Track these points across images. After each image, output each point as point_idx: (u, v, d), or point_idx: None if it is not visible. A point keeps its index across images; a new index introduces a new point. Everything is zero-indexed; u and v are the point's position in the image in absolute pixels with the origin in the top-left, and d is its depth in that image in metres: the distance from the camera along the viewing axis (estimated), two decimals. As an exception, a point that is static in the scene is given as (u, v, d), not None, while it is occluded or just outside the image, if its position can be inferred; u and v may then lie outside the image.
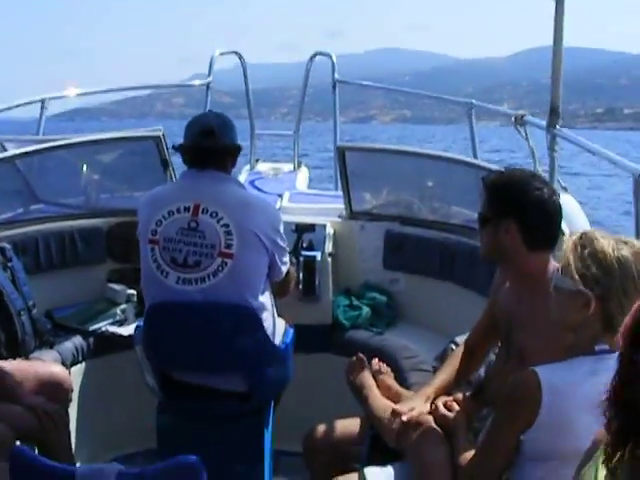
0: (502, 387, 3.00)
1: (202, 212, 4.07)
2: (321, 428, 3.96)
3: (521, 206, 3.32)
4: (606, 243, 2.67)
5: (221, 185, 4.22)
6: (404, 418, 3.48)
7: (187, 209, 4.10)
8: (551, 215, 3.35)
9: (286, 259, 4.34)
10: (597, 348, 2.68)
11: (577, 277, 2.66)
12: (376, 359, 4.26)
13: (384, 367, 4.23)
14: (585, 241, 2.71)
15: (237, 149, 4.37)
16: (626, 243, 2.68)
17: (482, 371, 3.90)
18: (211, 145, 4.18)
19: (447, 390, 3.70)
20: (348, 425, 3.93)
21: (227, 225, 4.04)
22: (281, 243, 4.25)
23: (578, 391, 2.62)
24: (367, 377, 4.07)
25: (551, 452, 2.70)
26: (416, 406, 3.57)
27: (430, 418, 3.48)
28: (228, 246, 4.02)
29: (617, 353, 2.08)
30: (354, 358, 4.20)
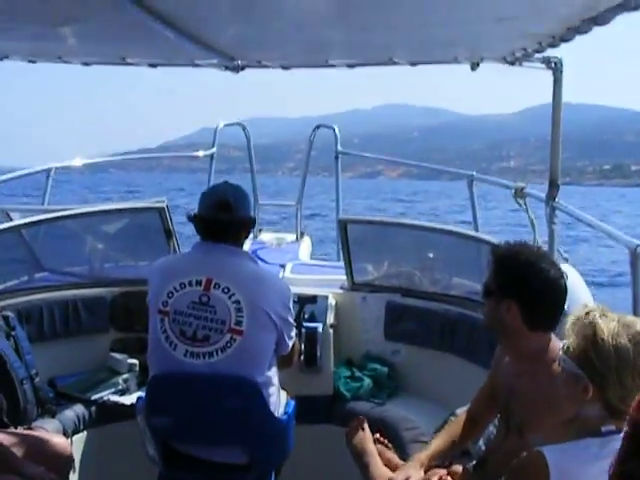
0: (504, 463, 3.00)
1: (214, 287, 4.08)
2: None
3: (524, 288, 3.34)
4: (606, 328, 2.62)
5: (234, 260, 4.24)
6: None
7: (199, 283, 4.11)
8: (555, 298, 3.36)
9: (293, 334, 4.36)
10: (604, 429, 2.62)
11: (574, 361, 2.65)
12: (377, 434, 4.26)
13: (384, 442, 4.22)
14: (585, 322, 2.68)
15: (252, 222, 4.42)
16: (629, 327, 2.63)
17: (482, 443, 3.90)
18: (227, 219, 4.20)
19: (442, 457, 3.72)
20: None
21: (238, 302, 4.05)
22: (290, 320, 4.28)
23: (586, 474, 2.57)
24: (368, 442, 4.06)
25: None
26: (411, 475, 3.58)
27: None
28: (238, 323, 4.03)
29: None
30: (354, 422, 4.19)
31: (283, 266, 6.70)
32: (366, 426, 4.18)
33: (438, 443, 3.82)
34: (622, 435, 2.07)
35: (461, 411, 4.12)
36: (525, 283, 3.34)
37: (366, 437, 4.09)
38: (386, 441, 4.22)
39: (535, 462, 2.64)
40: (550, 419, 2.87)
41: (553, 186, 5.34)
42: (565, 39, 4.03)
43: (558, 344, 3.13)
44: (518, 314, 3.35)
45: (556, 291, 3.34)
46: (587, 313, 2.71)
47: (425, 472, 3.66)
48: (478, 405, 3.88)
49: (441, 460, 3.76)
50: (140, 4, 3.15)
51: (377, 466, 3.90)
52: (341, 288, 6.01)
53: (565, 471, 2.59)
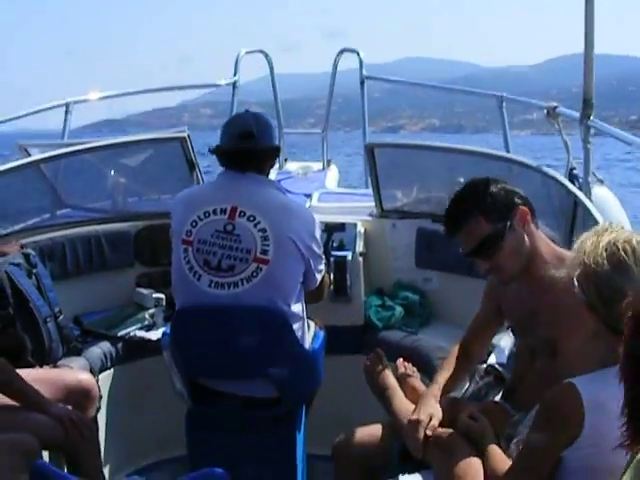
0: (535, 390, 2.97)
1: (239, 215, 3.97)
2: (350, 435, 3.79)
3: (514, 191, 3.35)
4: (587, 246, 2.59)
5: (260, 189, 4.12)
6: (428, 432, 3.33)
7: (224, 211, 4.00)
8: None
9: (321, 267, 4.24)
10: None
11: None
12: (400, 359, 4.15)
13: (409, 368, 4.11)
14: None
15: (276, 150, 4.30)
16: (613, 242, 2.56)
17: (505, 372, 3.80)
18: (251, 148, 4.08)
19: (451, 387, 3.64)
20: (378, 431, 3.75)
21: (264, 230, 3.93)
22: (317, 251, 4.14)
23: (619, 403, 2.50)
24: (388, 376, 3.91)
25: (596, 468, 2.56)
26: (433, 412, 3.42)
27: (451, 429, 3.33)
28: (264, 252, 3.91)
29: None
30: (371, 355, 4.08)
31: (310, 195, 6.57)
32: (384, 359, 4.06)
33: (445, 376, 3.69)
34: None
35: (494, 339, 4.02)
36: (507, 188, 3.35)
37: (385, 371, 3.97)
38: (410, 365, 4.12)
39: (568, 397, 2.56)
40: (581, 327, 2.74)
41: (587, 104, 5.14)
42: None
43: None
44: (527, 212, 3.30)
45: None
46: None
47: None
48: (473, 335, 3.81)
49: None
50: None
51: (400, 401, 3.76)
52: (370, 215, 5.87)
53: (599, 404, 2.51)
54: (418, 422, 3.36)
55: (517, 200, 3.31)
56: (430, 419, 3.37)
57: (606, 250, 2.53)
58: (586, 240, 2.61)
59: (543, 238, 3.40)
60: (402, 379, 3.96)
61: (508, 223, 3.26)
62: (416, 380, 4.01)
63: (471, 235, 3.30)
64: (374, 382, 3.94)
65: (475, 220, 3.27)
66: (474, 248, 3.31)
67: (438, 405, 3.48)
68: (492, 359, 4.05)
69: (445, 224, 3.40)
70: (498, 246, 3.27)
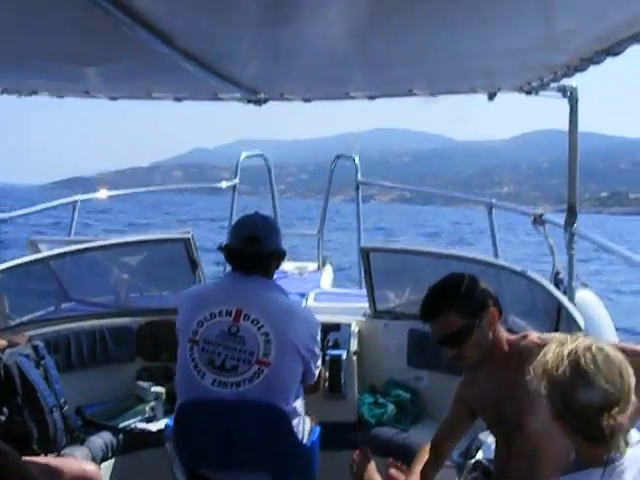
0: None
1: (244, 318, 4.14)
2: None
3: (488, 292, 3.56)
4: (549, 356, 2.67)
5: (264, 292, 4.29)
6: None
7: (229, 313, 4.16)
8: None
9: (319, 363, 4.42)
10: (606, 457, 2.59)
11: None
12: (390, 459, 4.28)
13: (398, 472, 4.22)
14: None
15: (281, 254, 4.45)
16: (573, 352, 2.62)
17: (492, 467, 3.94)
18: (256, 252, 4.26)
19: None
20: None
21: (267, 334, 4.10)
22: (317, 351, 4.33)
23: None
24: (372, 472, 4.09)
25: None
26: None
27: None
28: (266, 354, 4.08)
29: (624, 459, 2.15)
30: (357, 452, 4.23)
31: (305, 295, 6.76)
32: (370, 456, 4.21)
33: (416, 472, 3.93)
34: None
35: (483, 436, 4.20)
36: (481, 289, 3.56)
37: (371, 467, 4.12)
38: (399, 464, 4.26)
39: None
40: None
41: (572, 212, 5.39)
42: (579, 69, 4.10)
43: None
44: (497, 313, 3.54)
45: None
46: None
47: None
48: (443, 435, 3.99)
49: None
50: (166, 42, 3.25)
51: None
52: (364, 316, 6.07)
53: None
54: None
55: (489, 301, 3.55)
56: None
57: (568, 359, 2.60)
58: (549, 351, 2.69)
59: (504, 334, 3.63)
60: (393, 477, 4.11)
61: (478, 321, 3.51)
62: (403, 477, 4.16)
63: (443, 326, 3.56)
64: (358, 476, 4.10)
65: (449, 314, 3.52)
66: (443, 337, 3.57)
67: None
68: (480, 455, 4.20)
69: (421, 310, 3.66)
70: (465, 339, 3.53)
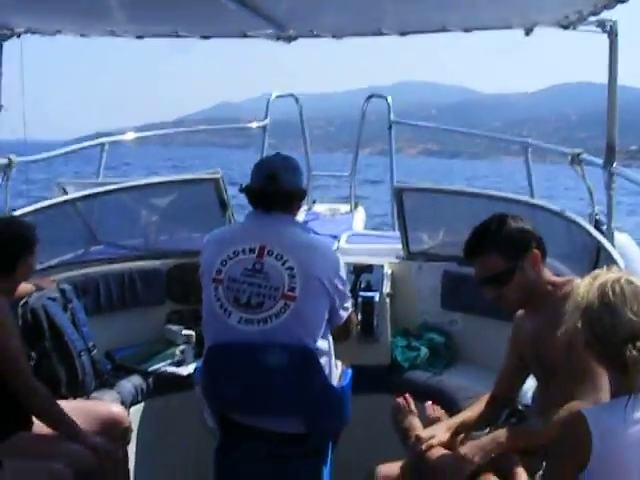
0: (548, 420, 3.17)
1: (267, 254, 4.09)
2: (379, 471, 3.90)
3: (531, 233, 3.54)
4: (582, 289, 2.75)
5: (286, 228, 4.24)
6: (423, 447, 3.60)
7: (252, 250, 4.12)
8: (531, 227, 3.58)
9: (347, 304, 4.34)
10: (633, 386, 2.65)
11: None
12: (429, 402, 4.22)
13: (438, 410, 4.18)
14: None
15: (302, 193, 4.40)
16: (603, 284, 2.71)
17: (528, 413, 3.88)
18: (275, 190, 4.20)
19: (468, 428, 3.77)
20: (392, 471, 3.87)
21: (291, 268, 4.05)
22: (342, 288, 4.25)
23: (627, 433, 2.60)
24: (414, 419, 4.02)
25: None
26: (436, 434, 3.67)
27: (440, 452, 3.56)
28: (291, 289, 4.03)
29: None
30: (399, 399, 4.17)
31: (337, 237, 6.68)
32: (411, 401, 4.16)
33: (468, 414, 3.88)
34: None
35: None
36: (525, 230, 3.54)
37: (412, 413, 4.07)
38: (438, 408, 4.20)
39: (576, 426, 2.66)
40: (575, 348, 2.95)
41: (611, 152, 5.27)
42: (621, 0, 3.96)
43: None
44: (539, 256, 3.50)
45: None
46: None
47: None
48: (502, 385, 3.94)
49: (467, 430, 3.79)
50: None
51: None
52: (397, 257, 5.97)
53: (606, 434, 2.61)
54: (419, 438, 3.65)
55: (532, 243, 3.50)
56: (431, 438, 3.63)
57: (597, 290, 2.68)
58: (582, 282, 2.78)
59: (549, 276, 3.59)
60: (429, 422, 4.05)
61: (520, 263, 3.47)
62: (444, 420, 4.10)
63: (484, 267, 3.52)
64: (400, 425, 4.04)
65: (490, 255, 3.48)
66: (484, 278, 3.54)
67: (446, 432, 3.70)
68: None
69: (464, 250, 3.62)
70: (506, 281, 3.48)
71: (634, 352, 2.56)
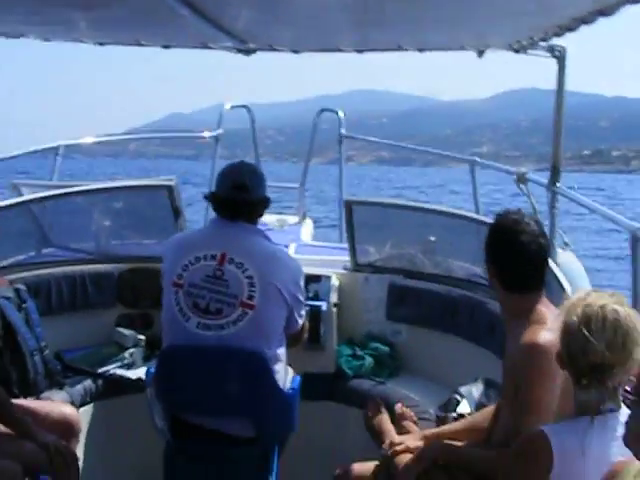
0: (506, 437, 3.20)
1: (228, 262, 4.18)
2: (352, 469, 4.03)
3: (492, 251, 3.55)
4: (567, 309, 2.78)
5: (249, 237, 4.35)
6: (388, 452, 3.76)
7: (214, 257, 4.21)
8: (519, 260, 3.46)
9: (303, 312, 4.48)
10: (602, 408, 2.71)
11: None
12: (399, 404, 4.37)
13: (408, 412, 4.32)
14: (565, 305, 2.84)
15: (267, 201, 4.51)
16: (588, 305, 2.74)
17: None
18: (244, 199, 4.31)
19: (454, 437, 3.77)
20: (366, 470, 3.99)
21: (251, 277, 4.15)
22: (301, 298, 4.39)
23: (588, 453, 2.66)
24: (386, 422, 4.18)
25: None
26: (407, 441, 3.80)
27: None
28: (250, 297, 4.13)
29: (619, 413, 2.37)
30: (371, 404, 4.31)
31: (286, 247, 6.78)
32: (383, 408, 4.30)
33: (449, 427, 3.94)
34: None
35: (464, 389, 4.26)
36: (493, 246, 3.55)
37: (384, 418, 4.21)
38: (408, 410, 4.34)
39: (538, 441, 2.74)
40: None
41: (555, 171, 5.44)
42: (570, 29, 4.11)
43: (546, 308, 3.37)
44: (495, 275, 3.54)
45: (521, 253, 3.43)
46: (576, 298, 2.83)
47: None
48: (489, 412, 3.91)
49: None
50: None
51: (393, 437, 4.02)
52: (344, 269, 6.09)
53: (567, 453, 2.68)
54: (391, 444, 3.81)
55: (490, 257, 3.63)
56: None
57: (582, 310, 2.72)
58: (574, 297, 2.84)
59: (516, 301, 3.55)
60: (400, 422, 4.20)
61: (486, 260, 3.64)
62: (412, 425, 4.25)
63: None
64: (373, 427, 4.19)
65: None
66: None
67: (420, 442, 3.78)
68: (462, 407, 4.26)
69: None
70: None
71: (594, 381, 2.65)
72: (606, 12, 3.50)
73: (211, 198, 4.42)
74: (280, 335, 4.30)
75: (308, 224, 8.93)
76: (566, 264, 5.21)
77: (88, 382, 5.20)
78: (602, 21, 3.57)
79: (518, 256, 3.43)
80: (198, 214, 9.13)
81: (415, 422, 4.31)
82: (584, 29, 3.91)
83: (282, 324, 4.29)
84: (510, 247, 3.45)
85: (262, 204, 4.46)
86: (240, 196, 4.30)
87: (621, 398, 2.74)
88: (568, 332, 2.73)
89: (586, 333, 2.66)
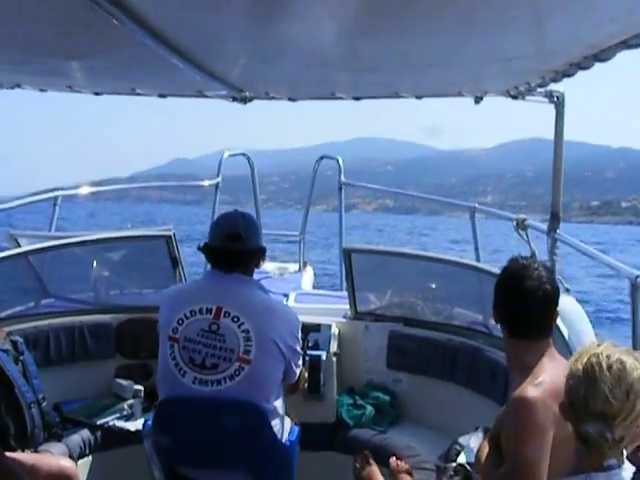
0: None
1: (224, 316, 4.13)
2: None
3: (500, 293, 3.49)
4: (573, 363, 2.72)
5: (245, 289, 4.29)
6: None
7: (209, 311, 4.15)
8: (522, 307, 3.40)
9: (300, 362, 4.43)
10: (605, 464, 2.64)
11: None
12: (394, 457, 4.32)
13: (402, 465, 4.28)
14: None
15: (263, 251, 4.45)
16: (583, 359, 2.69)
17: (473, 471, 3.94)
18: (239, 249, 4.26)
19: None
20: None
21: (247, 331, 4.10)
22: (298, 349, 4.33)
23: None
24: (375, 472, 4.13)
25: None
26: None
27: None
28: (247, 352, 4.07)
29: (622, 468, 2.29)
30: (359, 455, 4.26)
31: (286, 295, 6.77)
32: (370, 459, 4.25)
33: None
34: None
35: (464, 440, 4.19)
36: (500, 290, 3.49)
37: (373, 470, 4.16)
38: (402, 463, 4.29)
39: None
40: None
41: (555, 218, 5.43)
42: (567, 74, 4.13)
43: (549, 360, 3.30)
44: (501, 320, 3.50)
45: (526, 299, 3.38)
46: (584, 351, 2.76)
47: None
48: None
49: None
50: (154, 36, 3.24)
51: None
52: (344, 317, 6.08)
53: None
54: None
55: (495, 304, 3.57)
56: None
57: (588, 359, 2.66)
58: (583, 348, 2.76)
59: (520, 348, 3.50)
60: (396, 476, 4.15)
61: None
62: (408, 476, 4.20)
63: None
64: (362, 477, 4.14)
65: None
66: None
67: None
68: (461, 458, 4.20)
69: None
70: None
71: (594, 433, 2.56)
72: (601, 57, 3.52)
73: (205, 249, 4.37)
74: (278, 387, 4.25)
75: (309, 272, 8.93)
76: (567, 310, 5.18)
77: (87, 434, 5.18)
78: (611, 77, 3.57)
79: (523, 301, 3.39)
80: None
81: (410, 473, 4.26)
82: (594, 81, 3.93)
83: (279, 376, 4.24)
84: (515, 292, 3.41)
85: (257, 254, 4.41)
86: (235, 245, 4.25)
87: (625, 454, 2.68)
88: (571, 380, 2.68)
89: (589, 382, 2.61)
